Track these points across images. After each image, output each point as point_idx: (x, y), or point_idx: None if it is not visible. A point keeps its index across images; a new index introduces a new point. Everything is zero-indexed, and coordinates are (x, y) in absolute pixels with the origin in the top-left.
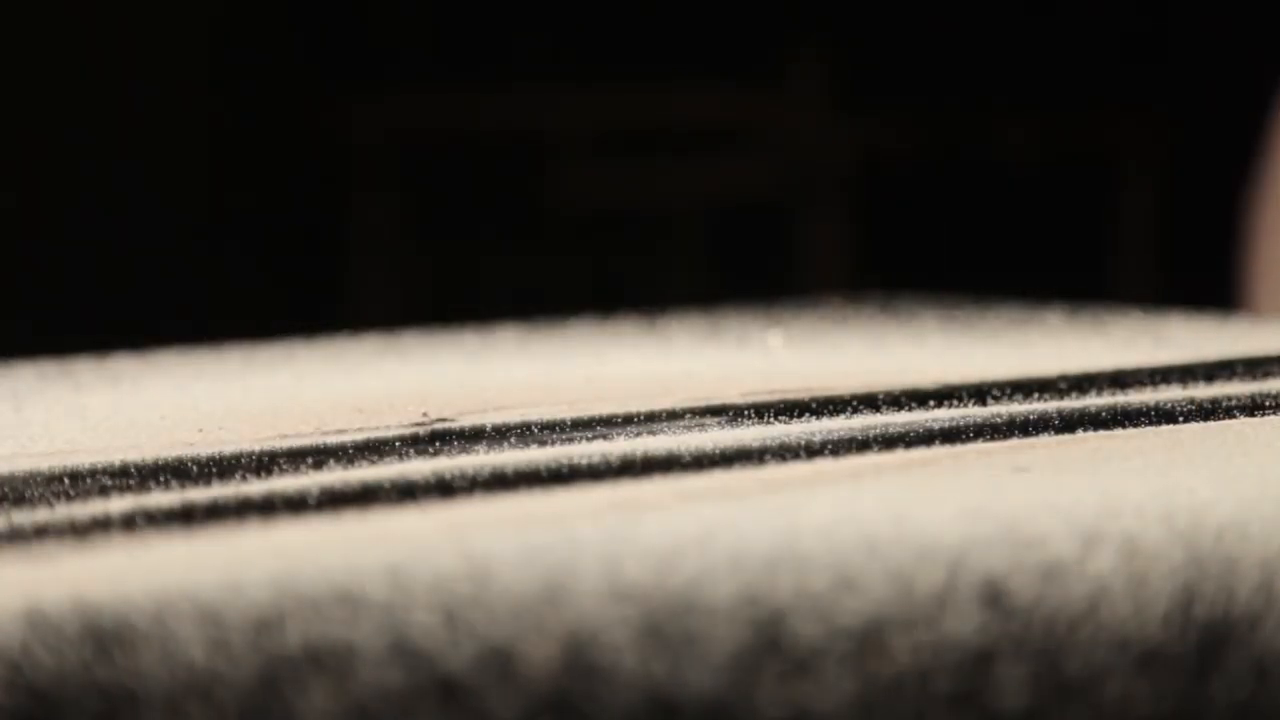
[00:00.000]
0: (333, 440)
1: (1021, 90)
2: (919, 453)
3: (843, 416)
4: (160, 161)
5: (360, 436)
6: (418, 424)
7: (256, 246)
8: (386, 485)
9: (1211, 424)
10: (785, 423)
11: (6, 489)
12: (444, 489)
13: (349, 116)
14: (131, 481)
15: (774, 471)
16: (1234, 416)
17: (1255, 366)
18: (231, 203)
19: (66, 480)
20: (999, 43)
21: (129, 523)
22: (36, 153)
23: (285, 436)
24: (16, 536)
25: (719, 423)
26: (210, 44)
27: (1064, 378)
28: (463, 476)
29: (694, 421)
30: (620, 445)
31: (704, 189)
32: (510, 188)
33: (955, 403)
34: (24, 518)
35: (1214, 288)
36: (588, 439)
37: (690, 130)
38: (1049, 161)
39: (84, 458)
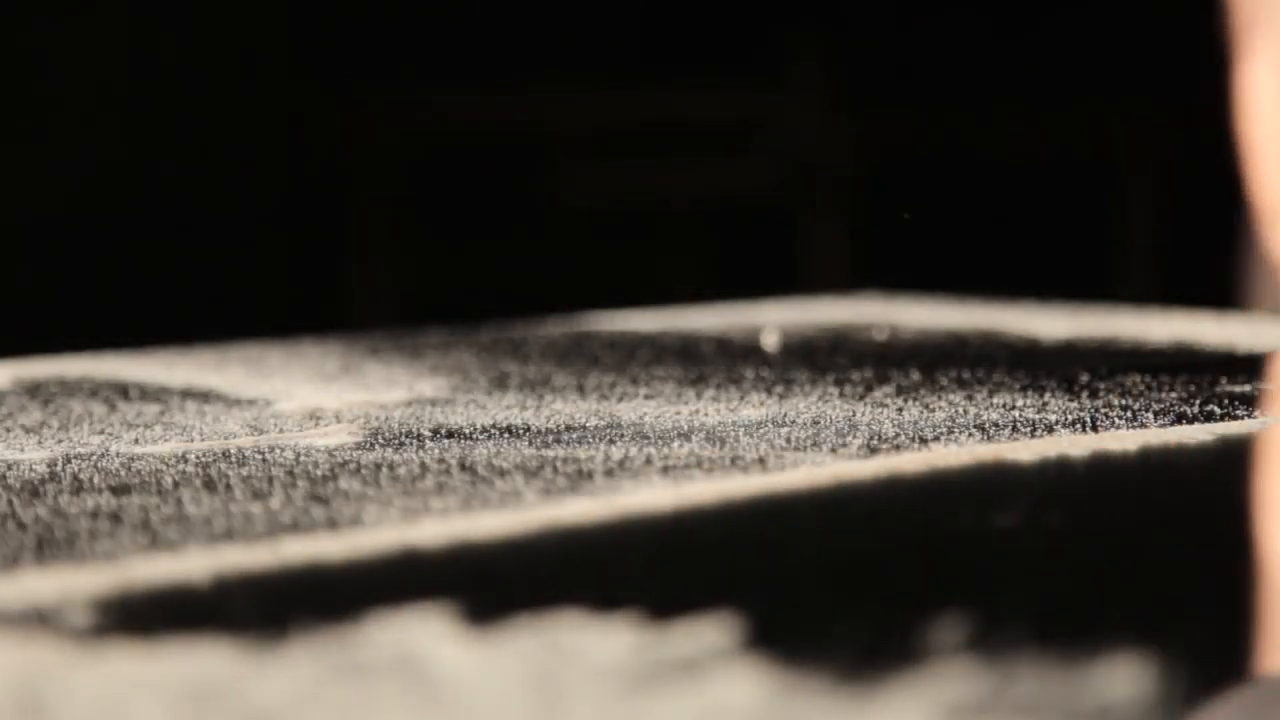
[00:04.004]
0: None
1: (1022, 90)
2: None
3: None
4: (159, 161)
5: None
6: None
7: (256, 246)
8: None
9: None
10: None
11: None
12: None
13: (349, 116)
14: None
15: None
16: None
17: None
18: (231, 203)
19: None
20: (999, 42)
21: None
22: (34, 152)
23: None
24: None
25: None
26: (210, 43)
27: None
28: None
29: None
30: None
31: (703, 189)
32: (510, 188)
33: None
34: None
35: (1214, 287)
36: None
37: (690, 130)
38: (1049, 161)
39: None
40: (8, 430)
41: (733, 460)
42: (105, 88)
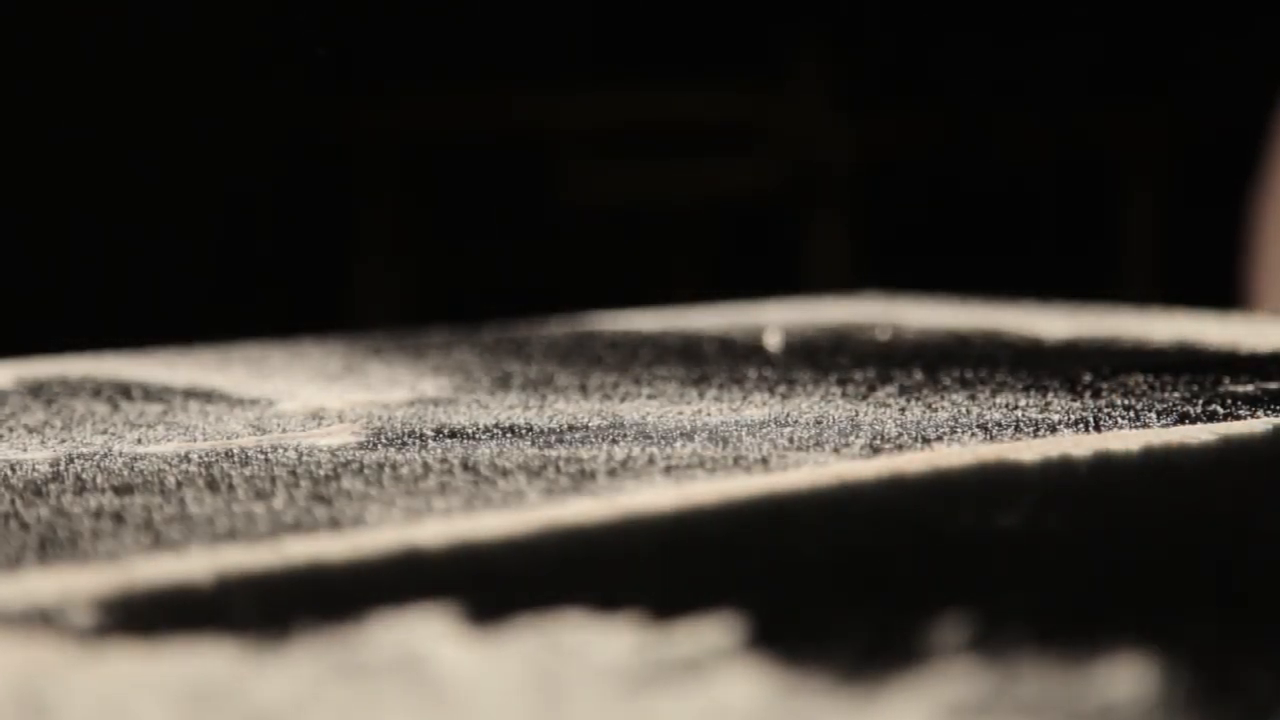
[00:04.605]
0: None
1: (1022, 90)
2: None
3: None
4: (161, 161)
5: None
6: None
7: (259, 246)
8: None
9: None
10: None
11: None
12: None
13: (351, 116)
14: None
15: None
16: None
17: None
18: (233, 203)
19: None
20: (999, 43)
21: None
22: (35, 153)
23: None
24: None
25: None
26: (212, 43)
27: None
28: None
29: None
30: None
31: (703, 189)
32: (512, 188)
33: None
34: None
35: (1214, 288)
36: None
37: (691, 130)
38: (1050, 160)
39: None
40: (11, 430)
41: (735, 460)
42: (106, 88)
